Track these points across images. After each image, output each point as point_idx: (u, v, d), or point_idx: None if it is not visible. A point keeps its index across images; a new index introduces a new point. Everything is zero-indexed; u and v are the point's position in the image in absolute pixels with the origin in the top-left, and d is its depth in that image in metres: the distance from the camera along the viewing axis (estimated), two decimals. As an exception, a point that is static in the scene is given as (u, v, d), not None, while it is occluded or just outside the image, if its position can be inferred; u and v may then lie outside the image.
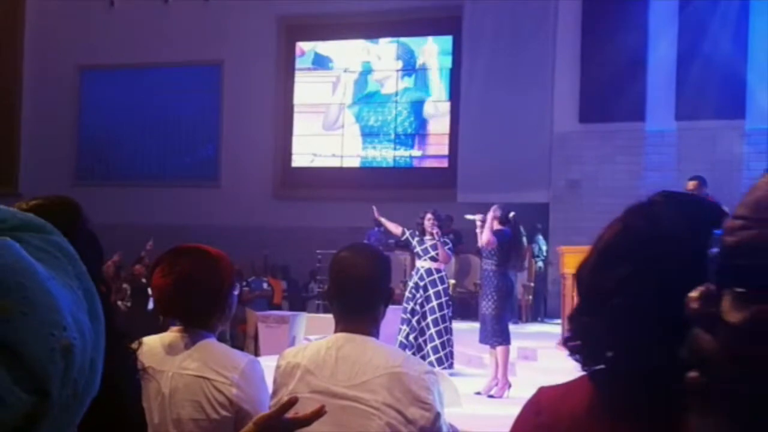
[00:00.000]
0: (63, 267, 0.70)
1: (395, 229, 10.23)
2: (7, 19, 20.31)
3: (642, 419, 1.14)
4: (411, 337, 9.17)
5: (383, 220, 10.47)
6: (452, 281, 9.64)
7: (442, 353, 9.12)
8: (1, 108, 20.13)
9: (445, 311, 9.22)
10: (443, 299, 9.24)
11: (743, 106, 14.85)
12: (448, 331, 9.20)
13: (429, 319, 9.17)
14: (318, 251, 15.53)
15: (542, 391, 1.33)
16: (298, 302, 16.33)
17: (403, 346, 8.84)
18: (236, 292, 2.56)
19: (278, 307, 15.22)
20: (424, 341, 9.18)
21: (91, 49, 19.72)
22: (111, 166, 19.84)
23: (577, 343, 1.22)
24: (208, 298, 2.43)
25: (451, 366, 9.23)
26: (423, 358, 9.02)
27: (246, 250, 15.22)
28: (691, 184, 9.49)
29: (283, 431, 1.79)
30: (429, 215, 9.46)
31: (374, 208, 10.58)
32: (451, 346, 9.25)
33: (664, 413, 1.11)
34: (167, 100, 19.69)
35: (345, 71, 19.19)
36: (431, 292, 9.19)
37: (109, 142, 19.86)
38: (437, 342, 9.11)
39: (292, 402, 1.81)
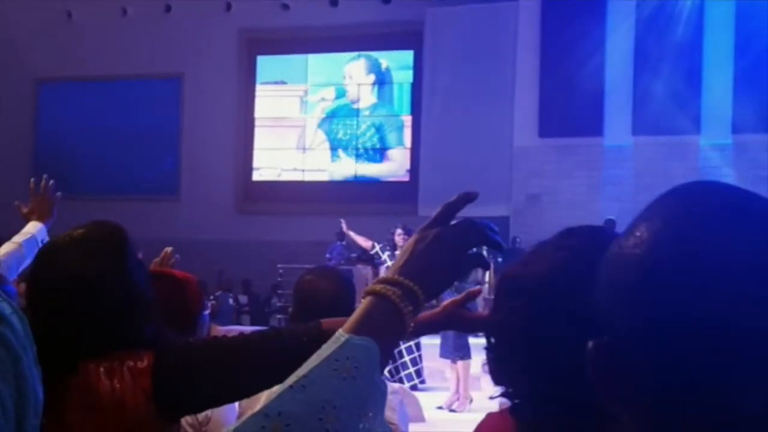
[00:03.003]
0: (1, 366, 0.68)
1: (364, 242, 10.17)
2: (-37, 31, 20.02)
3: None
4: None
5: (352, 233, 10.41)
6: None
7: (412, 369, 9.08)
8: (-44, 120, 19.81)
9: None
10: None
11: (699, 121, 15.13)
12: (418, 347, 9.12)
13: None
14: (279, 265, 15.48)
15: (488, 419, 1.33)
16: (261, 317, 16.25)
17: None
18: (207, 312, 2.53)
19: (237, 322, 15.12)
20: (395, 355, 9.12)
21: (49, 62, 19.49)
22: (69, 179, 19.46)
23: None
24: (175, 323, 2.31)
25: (423, 382, 9.17)
26: (393, 371, 9.01)
27: (207, 264, 15.11)
28: None
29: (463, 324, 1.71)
30: (399, 230, 9.42)
31: (343, 221, 10.50)
32: (421, 362, 9.18)
33: None
34: (126, 113, 19.51)
35: (312, 85, 19.19)
36: None
37: (67, 156, 19.60)
38: (407, 358, 9.05)
39: (476, 293, 1.77)
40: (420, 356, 9.08)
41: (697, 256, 0.68)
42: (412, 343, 9.01)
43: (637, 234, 0.72)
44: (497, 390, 1.19)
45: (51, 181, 3.04)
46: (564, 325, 1.04)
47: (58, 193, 3.07)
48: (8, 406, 0.68)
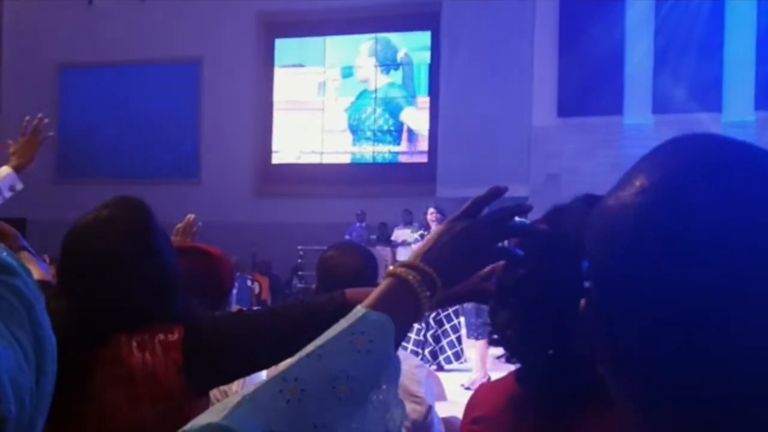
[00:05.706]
0: (17, 314, 0.70)
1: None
2: (-16, 17, 20.14)
3: (555, 417, 1.17)
4: (428, 335, 9.01)
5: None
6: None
7: (458, 348, 9.04)
8: (-22, 107, 19.95)
9: (458, 307, 8.85)
10: None
11: (720, 99, 14.99)
12: (460, 326, 9.06)
13: (442, 315, 8.90)
14: (299, 247, 15.54)
15: (480, 386, 1.37)
16: (281, 298, 16.33)
17: (419, 344, 8.79)
18: (235, 291, 2.54)
19: (264, 303, 15.23)
20: (437, 337, 9.04)
21: (71, 48, 19.60)
22: (91, 163, 19.71)
23: (495, 336, 1.26)
24: (207, 299, 2.35)
25: (465, 360, 9.14)
26: (435, 353, 8.99)
27: (227, 246, 15.15)
28: None
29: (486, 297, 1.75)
30: (432, 210, 9.31)
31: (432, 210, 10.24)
32: (461, 343, 9.12)
33: (571, 409, 1.14)
34: (147, 98, 19.60)
35: (329, 68, 19.18)
36: None
37: (89, 140, 19.74)
38: (452, 337, 9.00)
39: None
40: (460, 337, 9.06)
41: (703, 208, 0.63)
42: (455, 321, 8.97)
43: (637, 183, 0.69)
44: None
45: (45, 121, 2.90)
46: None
47: (51, 133, 2.93)
48: (29, 351, 0.70)
